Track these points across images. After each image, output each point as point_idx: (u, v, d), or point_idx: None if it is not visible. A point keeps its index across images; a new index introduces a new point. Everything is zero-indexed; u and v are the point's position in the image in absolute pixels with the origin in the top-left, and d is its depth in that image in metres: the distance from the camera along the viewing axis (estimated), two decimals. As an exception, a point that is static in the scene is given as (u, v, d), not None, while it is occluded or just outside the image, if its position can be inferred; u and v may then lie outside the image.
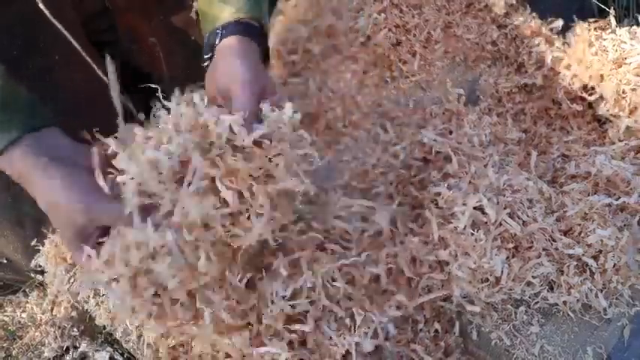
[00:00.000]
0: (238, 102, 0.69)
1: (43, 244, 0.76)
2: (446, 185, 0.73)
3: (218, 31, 0.76)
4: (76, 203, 0.64)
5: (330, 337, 0.64)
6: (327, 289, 0.65)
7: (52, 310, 0.86)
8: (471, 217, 0.68)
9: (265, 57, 0.80)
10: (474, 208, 0.69)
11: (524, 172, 0.76)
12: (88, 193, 0.65)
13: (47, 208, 0.65)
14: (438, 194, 0.73)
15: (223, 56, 0.75)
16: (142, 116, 0.71)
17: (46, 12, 0.70)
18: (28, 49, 0.86)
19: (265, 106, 0.64)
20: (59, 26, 0.72)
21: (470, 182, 0.73)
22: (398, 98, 0.91)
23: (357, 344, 0.64)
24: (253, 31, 0.77)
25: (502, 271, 0.66)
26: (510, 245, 0.68)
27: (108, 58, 0.59)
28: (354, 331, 0.64)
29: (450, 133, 0.81)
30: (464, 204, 0.69)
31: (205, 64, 0.79)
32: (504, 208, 0.69)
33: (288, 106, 0.64)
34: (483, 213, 0.69)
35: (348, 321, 0.65)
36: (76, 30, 0.90)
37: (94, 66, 0.82)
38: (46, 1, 0.71)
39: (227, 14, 0.78)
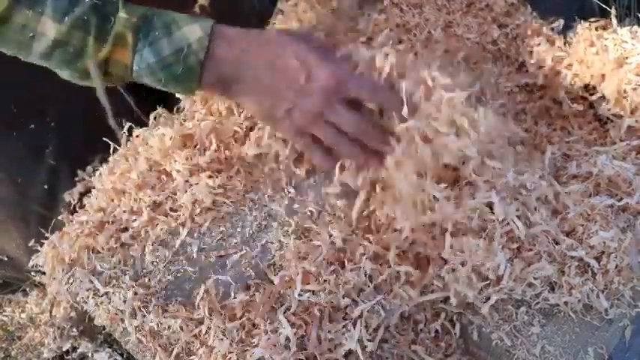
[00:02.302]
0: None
1: (41, 245, 0.76)
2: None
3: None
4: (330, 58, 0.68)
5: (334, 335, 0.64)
6: None
7: (51, 310, 0.86)
8: (480, 216, 0.68)
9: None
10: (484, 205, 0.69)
11: (538, 170, 0.75)
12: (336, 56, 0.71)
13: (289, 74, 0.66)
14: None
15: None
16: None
17: None
18: None
19: None
20: None
21: (486, 181, 0.72)
22: (398, 98, 0.91)
23: (360, 342, 0.64)
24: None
25: (504, 271, 0.66)
26: (514, 246, 0.68)
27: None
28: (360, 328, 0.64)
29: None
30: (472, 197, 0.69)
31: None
32: (517, 210, 0.69)
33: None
34: (491, 210, 0.68)
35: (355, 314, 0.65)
36: None
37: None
38: None
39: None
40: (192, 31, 0.65)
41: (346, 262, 0.69)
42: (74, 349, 0.86)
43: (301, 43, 0.68)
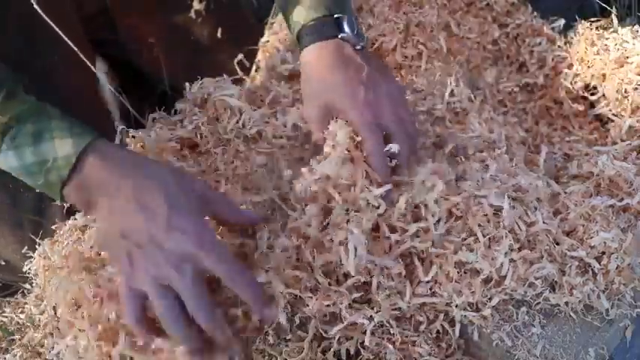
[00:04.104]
0: (362, 131, 0.66)
1: (34, 251, 0.75)
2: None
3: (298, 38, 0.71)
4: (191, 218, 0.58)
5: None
6: None
7: (55, 312, 0.86)
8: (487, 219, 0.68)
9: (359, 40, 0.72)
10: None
11: (534, 172, 0.75)
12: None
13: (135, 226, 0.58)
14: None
15: (312, 71, 0.71)
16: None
17: (41, 12, 0.69)
18: (29, 51, 0.85)
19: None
20: (55, 27, 0.72)
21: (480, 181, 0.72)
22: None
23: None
24: (333, 28, 0.71)
25: (507, 271, 0.66)
26: (516, 246, 0.68)
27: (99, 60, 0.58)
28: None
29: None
30: (479, 203, 0.69)
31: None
32: (514, 209, 0.69)
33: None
34: (495, 213, 0.68)
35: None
36: (75, 30, 0.90)
37: (92, 67, 0.82)
38: (42, 2, 0.69)
39: (300, 17, 0.72)
40: (63, 145, 0.61)
41: None
42: (74, 349, 0.86)
43: (180, 188, 0.61)
